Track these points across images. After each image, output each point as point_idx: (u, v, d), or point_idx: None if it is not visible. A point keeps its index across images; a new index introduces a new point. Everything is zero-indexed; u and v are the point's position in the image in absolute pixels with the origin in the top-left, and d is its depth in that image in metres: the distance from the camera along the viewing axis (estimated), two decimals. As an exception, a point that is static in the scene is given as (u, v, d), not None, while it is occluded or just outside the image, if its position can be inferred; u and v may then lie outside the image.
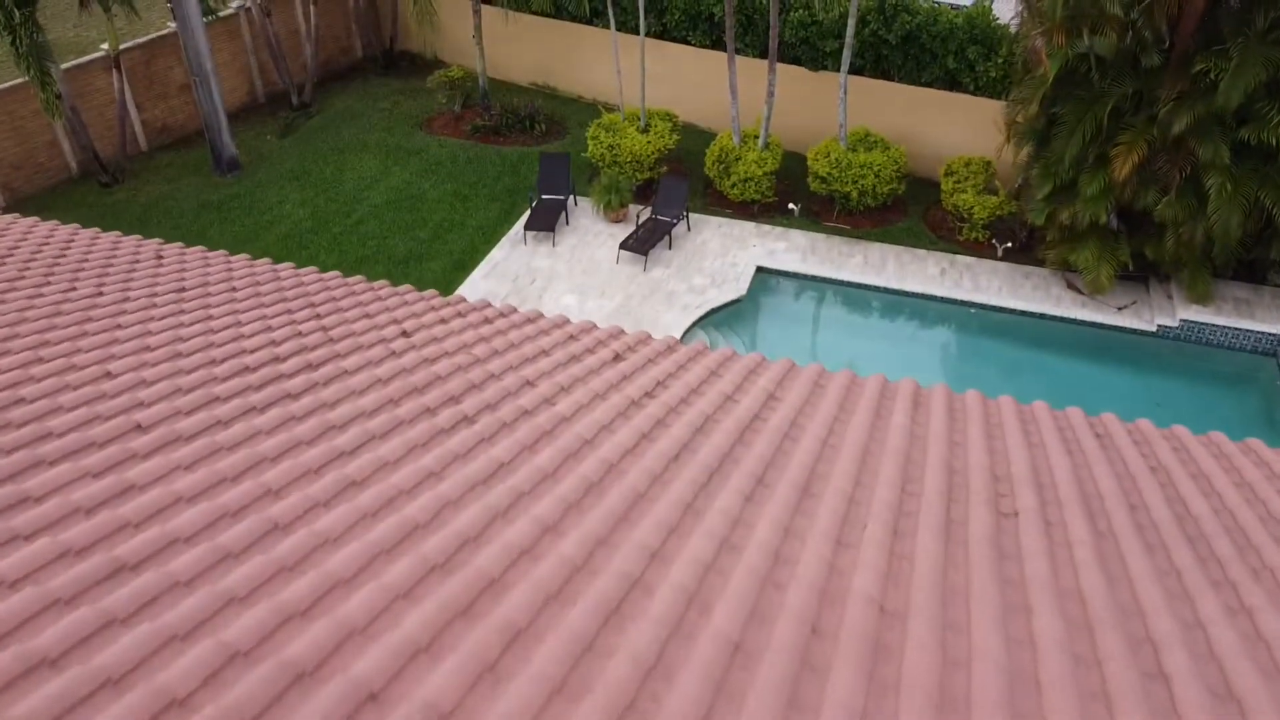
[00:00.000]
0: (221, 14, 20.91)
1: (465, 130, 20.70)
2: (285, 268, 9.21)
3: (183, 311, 7.62)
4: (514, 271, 16.26)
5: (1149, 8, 12.90)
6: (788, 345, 15.34)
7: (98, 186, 18.86)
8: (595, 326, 8.28)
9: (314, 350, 6.89)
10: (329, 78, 23.47)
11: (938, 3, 19.84)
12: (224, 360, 6.50)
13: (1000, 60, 16.77)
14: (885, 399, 7.27)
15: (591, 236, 17.21)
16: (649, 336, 8.12)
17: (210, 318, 7.51)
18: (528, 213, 17.54)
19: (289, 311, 7.83)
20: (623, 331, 8.35)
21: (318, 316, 7.78)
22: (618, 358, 7.66)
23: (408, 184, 18.92)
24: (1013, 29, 16.49)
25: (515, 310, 8.55)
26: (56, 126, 18.34)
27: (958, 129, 17.80)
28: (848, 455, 5.76)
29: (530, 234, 17.05)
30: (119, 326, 7.05)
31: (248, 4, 21.09)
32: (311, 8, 21.73)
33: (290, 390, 6.07)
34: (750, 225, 17.44)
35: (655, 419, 6.18)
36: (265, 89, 22.39)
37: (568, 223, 17.53)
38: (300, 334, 7.27)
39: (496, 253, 16.78)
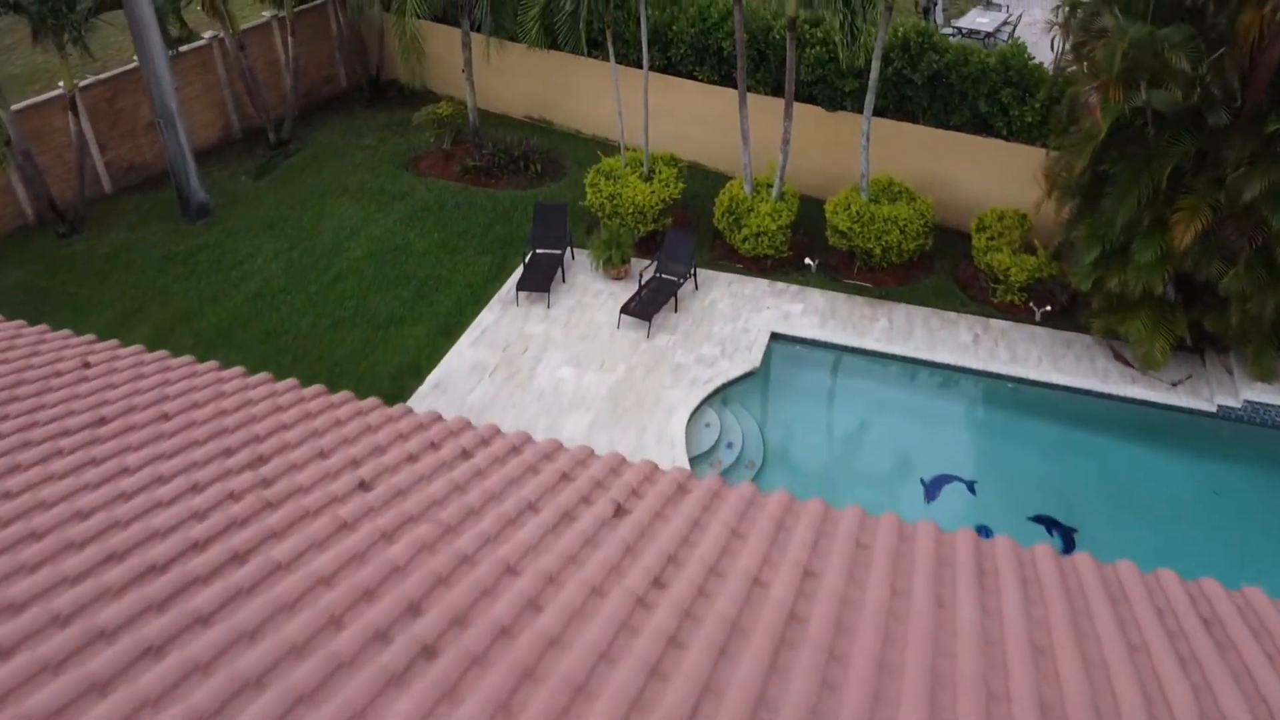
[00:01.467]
0: (193, 45, 19.45)
1: (455, 171, 19.24)
2: (234, 375, 7.78)
3: (93, 461, 6.20)
4: (504, 338, 14.80)
5: (1218, 62, 11.45)
6: (807, 425, 13.89)
7: (55, 236, 17.40)
8: (592, 455, 6.87)
9: (243, 528, 5.45)
10: (311, 108, 22.02)
11: (965, 37, 18.42)
12: (125, 555, 5.09)
13: (1037, 105, 15.30)
14: (942, 565, 5.87)
15: (590, 296, 15.75)
16: (655, 469, 6.72)
17: (125, 470, 6.09)
18: (520, 268, 16.09)
19: (225, 454, 6.40)
20: (624, 463, 6.92)
21: (259, 460, 6.35)
22: (619, 511, 6.25)
23: (391, 233, 17.46)
24: (1051, 70, 15.04)
25: (497, 433, 7.12)
26: (9, 172, 16.89)
27: (989, 177, 16.35)
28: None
29: (523, 294, 15.60)
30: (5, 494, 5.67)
31: (220, 34, 19.63)
32: (290, 38, 20.27)
33: (200, 611, 4.66)
34: (763, 283, 15.98)
35: (668, 637, 4.77)
36: (242, 124, 20.93)
37: (564, 280, 16.07)
38: (231, 496, 5.84)
39: (486, 315, 15.32)
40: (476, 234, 17.41)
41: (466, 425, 7.19)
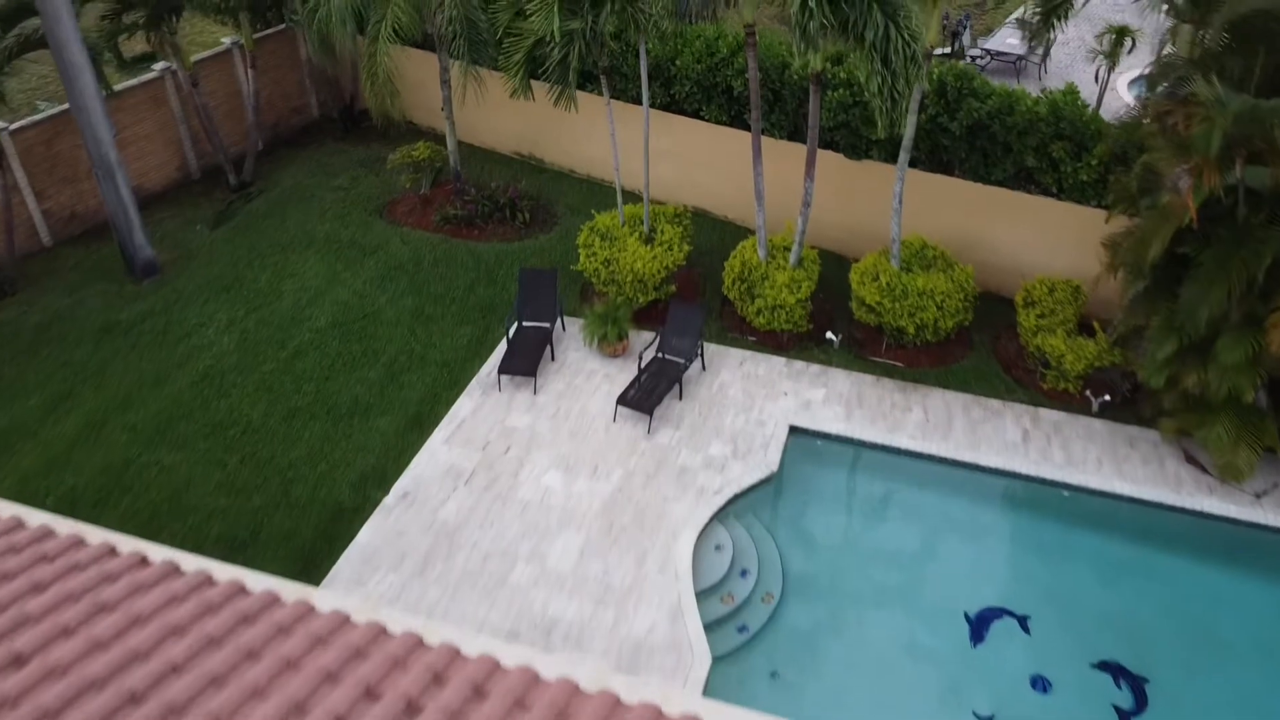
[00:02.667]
0: (142, 79, 17.48)
1: (433, 219, 17.29)
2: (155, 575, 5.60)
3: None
4: (484, 433, 12.89)
5: (1334, 139, 9.54)
6: (832, 544, 12.00)
7: (-18, 302, 15.51)
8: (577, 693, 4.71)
9: None
10: (279, 143, 20.06)
11: (994, 58, 16.50)
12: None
13: (1094, 163, 13.34)
14: None
15: (583, 378, 13.84)
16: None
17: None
18: (503, 344, 14.18)
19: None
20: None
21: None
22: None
23: (360, 297, 15.54)
24: (1113, 123, 13.10)
25: (456, 657, 4.91)
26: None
27: (1036, 239, 14.42)
28: None
29: (506, 377, 13.70)
30: None
31: (173, 66, 17.65)
32: (250, 69, 18.28)
33: None
34: (779, 361, 14.07)
35: None
36: (200, 162, 18.97)
37: (553, 357, 14.16)
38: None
39: (464, 403, 13.41)
40: (456, 298, 15.49)
41: (417, 644, 4.92)
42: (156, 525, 11.65)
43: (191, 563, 5.20)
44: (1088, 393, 12.97)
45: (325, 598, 5.05)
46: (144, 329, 14.93)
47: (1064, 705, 10.32)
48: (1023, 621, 11.07)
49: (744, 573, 11.33)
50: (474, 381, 13.79)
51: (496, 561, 11.09)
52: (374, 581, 10.89)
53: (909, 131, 12.83)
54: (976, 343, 14.23)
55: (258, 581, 5.05)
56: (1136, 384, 12.68)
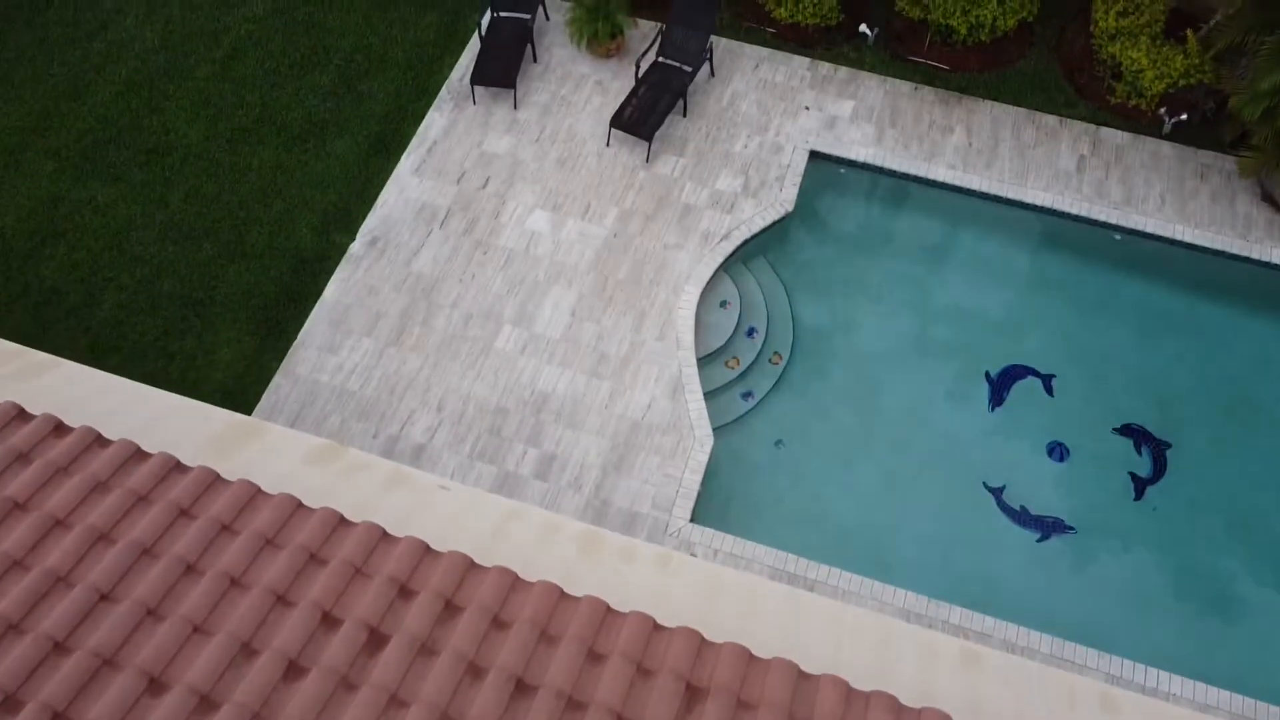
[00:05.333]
0: None
1: None
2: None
3: None
4: (459, 161, 11.22)
5: None
6: (850, 294, 10.83)
7: None
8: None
9: None
10: None
11: None
12: None
13: None
14: None
15: (571, 86, 11.82)
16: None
17: None
18: (475, 39, 11.96)
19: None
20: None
21: None
22: None
23: (302, -29, 12.92)
24: None
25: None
26: None
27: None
28: None
29: (481, 88, 11.68)
30: None
31: None
32: None
33: None
34: (803, 63, 11.93)
35: None
36: None
37: (535, 58, 12.00)
38: None
39: (434, 120, 11.56)
40: (417, -28, 12.89)
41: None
42: (101, 279, 10.50)
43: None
44: (1162, 110, 11.05)
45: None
46: (49, 19, 12.57)
47: (1079, 474, 9.87)
48: (1047, 382, 10.32)
49: (751, 331, 10.37)
50: (444, 90, 11.81)
51: (479, 324, 10.08)
52: (348, 348, 9.97)
53: None
54: (1037, 37, 11.96)
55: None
56: (1222, 103, 10.76)
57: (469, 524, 4.85)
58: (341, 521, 4.42)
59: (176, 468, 4.73)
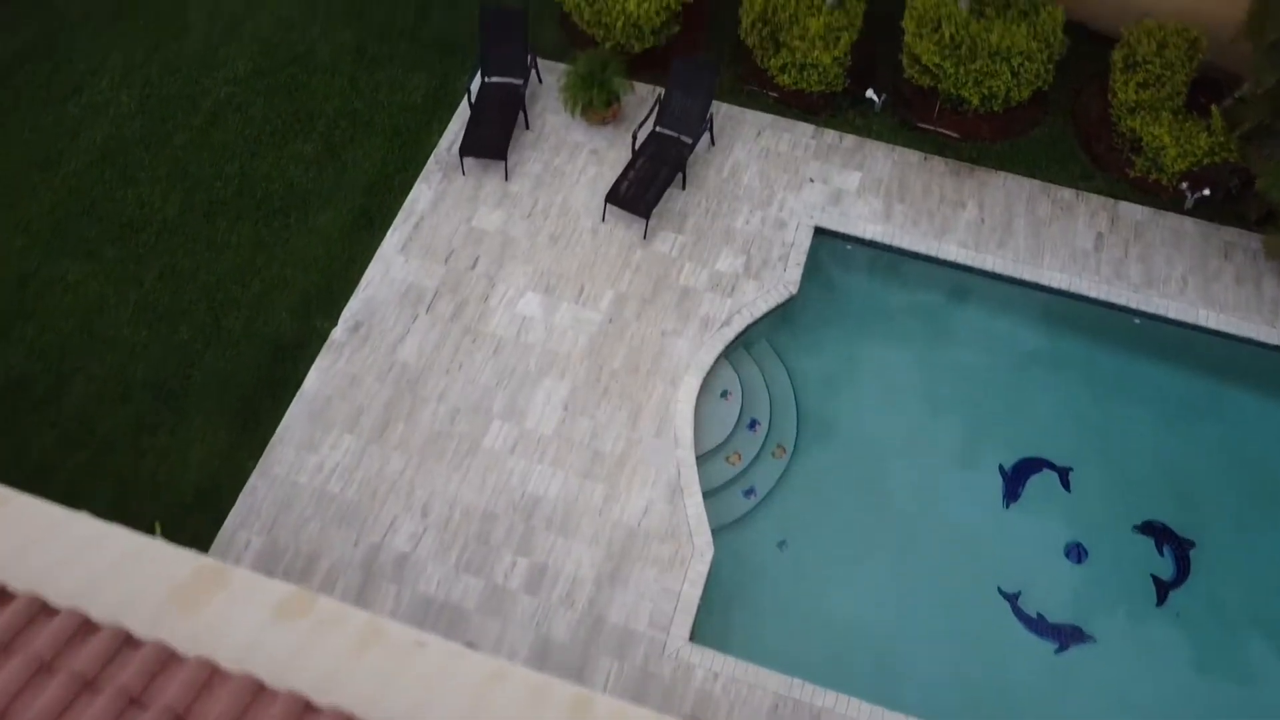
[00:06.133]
0: None
1: (370, -95, 13.42)
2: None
3: None
4: (446, 238, 10.70)
5: None
6: (856, 380, 10.33)
7: None
8: None
9: None
10: None
11: None
12: None
13: None
14: None
15: (565, 156, 11.30)
16: None
17: None
18: (465, 105, 11.44)
19: None
20: None
21: None
22: None
23: (287, 29, 12.40)
24: None
25: None
26: None
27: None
28: None
29: (470, 159, 11.17)
30: None
31: None
32: None
33: None
34: (805, 130, 11.41)
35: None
36: None
37: (528, 124, 11.48)
38: None
39: (421, 192, 11.03)
40: (405, 31, 12.36)
41: None
42: (70, 365, 9.99)
43: None
44: (1184, 185, 10.55)
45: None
46: (22, 78, 12.05)
47: (1098, 577, 9.39)
48: (1064, 475, 9.82)
49: (753, 424, 9.87)
50: (432, 159, 11.29)
51: (467, 420, 9.57)
52: (328, 445, 9.45)
53: None
54: (1052, 103, 11.45)
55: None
56: (1247, 179, 10.25)
57: (448, 691, 4.40)
58: (307, 708, 3.96)
59: (128, 642, 4.27)
